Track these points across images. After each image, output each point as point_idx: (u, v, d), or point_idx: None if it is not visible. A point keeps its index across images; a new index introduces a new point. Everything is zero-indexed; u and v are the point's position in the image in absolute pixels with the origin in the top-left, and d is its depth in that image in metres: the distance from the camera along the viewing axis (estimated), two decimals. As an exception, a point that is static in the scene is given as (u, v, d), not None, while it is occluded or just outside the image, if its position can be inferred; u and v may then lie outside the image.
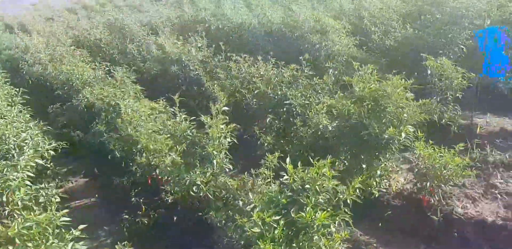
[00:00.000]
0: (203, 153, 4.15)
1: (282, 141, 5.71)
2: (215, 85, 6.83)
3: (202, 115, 4.52)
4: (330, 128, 5.00)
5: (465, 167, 4.41)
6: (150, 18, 12.91)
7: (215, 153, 4.13)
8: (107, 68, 8.11)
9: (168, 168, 4.35)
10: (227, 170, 4.47)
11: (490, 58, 6.02)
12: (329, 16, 9.38)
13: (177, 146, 4.61)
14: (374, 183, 4.53)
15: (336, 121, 4.75)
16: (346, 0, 10.18)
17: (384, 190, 4.79)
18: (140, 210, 5.22)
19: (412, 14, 9.17)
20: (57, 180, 6.15)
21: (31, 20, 18.98)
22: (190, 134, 4.41)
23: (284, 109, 6.00)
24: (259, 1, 11.65)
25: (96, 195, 6.21)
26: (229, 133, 4.49)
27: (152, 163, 4.67)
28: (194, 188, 4.11)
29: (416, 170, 4.59)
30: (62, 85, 8.35)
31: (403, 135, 4.21)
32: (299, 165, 3.29)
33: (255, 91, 6.32)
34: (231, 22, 10.04)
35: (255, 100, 6.43)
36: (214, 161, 4.10)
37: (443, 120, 6.34)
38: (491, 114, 7.11)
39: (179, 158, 4.46)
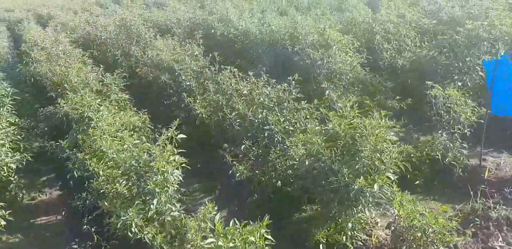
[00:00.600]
0: (145, 189, 3.69)
1: (258, 171, 5.18)
2: (198, 100, 6.37)
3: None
4: (307, 163, 4.42)
5: (453, 229, 3.73)
6: (165, 18, 12.65)
7: (157, 190, 3.66)
8: (105, 72, 7.87)
9: (112, 200, 3.94)
10: (178, 207, 3.98)
11: (497, 93, 5.21)
12: (338, 29, 8.71)
13: (127, 175, 4.18)
14: (344, 238, 3.92)
15: (312, 158, 4.15)
16: (361, 11, 9.44)
17: (361, 244, 4.16)
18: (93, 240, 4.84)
19: (433, 31, 8.35)
20: (20, 194, 5.89)
21: (58, 12, 19.23)
22: (135, 164, 3.95)
23: (266, 134, 5.46)
24: (267, 8, 11.17)
25: (63, 213, 5.90)
26: (182, 165, 4.00)
27: (102, 190, 4.26)
28: (132, 228, 3.66)
29: (393, 228, 3.92)
30: (56, 87, 8.15)
31: (376, 186, 3.58)
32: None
33: (234, 113, 5.81)
34: (237, 29, 9.58)
35: (237, 121, 5.92)
36: (155, 200, 3.63)
37: (447, 160, 5.60)
38: (508, 153, 6.29)
39: (126, 189, 4.03)
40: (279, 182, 4.79)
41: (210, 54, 7.86)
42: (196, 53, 8.02)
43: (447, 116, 5.68)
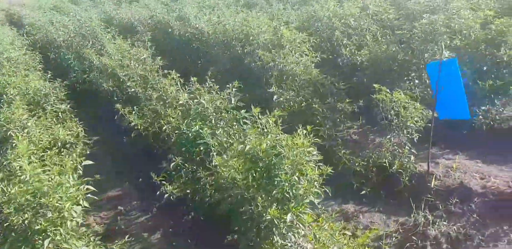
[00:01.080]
0: (36, 228, 3.32)
1: (189, 190, 4.81)
2: (135, 110, 5.97)
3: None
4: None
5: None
6: (130, 16, 12.06)
7: (49, 229, 3.29)
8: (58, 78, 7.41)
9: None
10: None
11: (442, 96, 4.82)
12: (295, 25, 8.25)
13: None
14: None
15: (228, 183, 3.78)
16: (325, 4, 8.93)
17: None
18: None
19: (393, 25, 7.89)
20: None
21: (28, 11, 18.50)
22: (31, 198, 3.56)
23: (201, 148, 5.07)
24: (232, 3, 10.65)
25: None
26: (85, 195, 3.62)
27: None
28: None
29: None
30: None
31: (289, 217, 3.22)
32: None
33: (170, 125, 5.41)
34: (196, 29, 9.08)
35: (175, 133, 5.52)
36: (46, 241, 3.27)
37: (394, 167, 5.26)
38: (464, 155, 5.95)
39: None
40: (208, 204, 4.42)
41: (159, 57, 7.43)
42: (144, 56, 7.56)
43: (396, 121, 5.31)
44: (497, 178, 5.27)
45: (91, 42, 9.84)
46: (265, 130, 3.78)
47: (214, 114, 5.21)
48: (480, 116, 6.04)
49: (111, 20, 11.62)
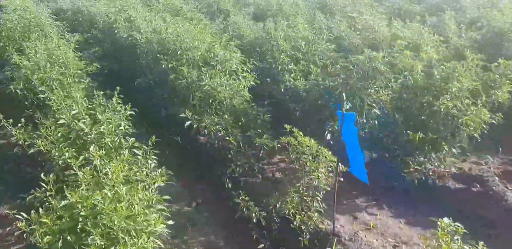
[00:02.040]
0: None
1: None
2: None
3: None
4: None
5: None
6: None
7: None
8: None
9: None
10: None
11: (348, 151, 4.19)
12: (245, 42, 7.58)
13: None
14: None
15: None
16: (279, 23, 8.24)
17: None
18: None
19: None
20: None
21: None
22: None
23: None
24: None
25: None
26: None
27: None
28: None
29: None
30: None
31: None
32: None
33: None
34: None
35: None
36: None
37: (296, 222, 4.60)
38: (393, 211, 5.33)
39: None
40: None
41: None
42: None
43: (307, 168, 4.67)
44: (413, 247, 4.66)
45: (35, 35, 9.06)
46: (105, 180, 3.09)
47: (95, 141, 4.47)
48: (412, 170, 5.44)
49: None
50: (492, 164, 6.22)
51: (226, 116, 5.73)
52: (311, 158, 4.55)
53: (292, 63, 7.16)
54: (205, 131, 5.48)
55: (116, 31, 8.76)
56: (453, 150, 5.22)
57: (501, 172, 5.78)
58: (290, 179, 5.64)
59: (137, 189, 3.21)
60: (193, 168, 6.15)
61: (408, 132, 5.19)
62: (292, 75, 6.93)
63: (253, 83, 6.41)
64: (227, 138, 5.33)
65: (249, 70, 6.61)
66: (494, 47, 7.33)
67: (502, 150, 6.47)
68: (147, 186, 3.56)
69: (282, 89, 6.83)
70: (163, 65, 6.22)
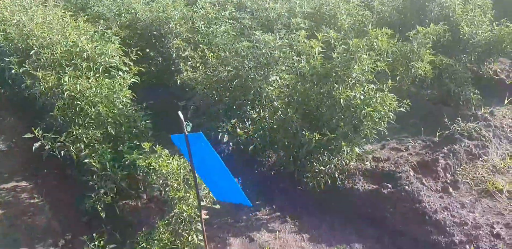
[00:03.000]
0: None
1: None
2: None
3: None
4: None
5: None
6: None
7: None
8: None
9: None
10: None
11: (207, 175, 3.30)
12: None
13: None
14: None
15: None
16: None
17: None
18: None
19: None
20: None
21: None
22: None
23: None
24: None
25: None
26: None
27: None
28: None
29: None
30: None
31: None
32: None
33: None
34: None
35: None
36: None
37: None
38: (296, 225, 4.57)
39: None
40: None
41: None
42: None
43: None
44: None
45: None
46: None
47: None
48: (316, 172, 4.63)
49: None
50: (413, 149, 5.50)
51: (93, 128, 4.69)
52: (175, 185, 3.65)
53: (189, 49, 6.06)
54: (62, 152, 4.45)
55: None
56: (357, 149, 4.37)
57: (418, 162, 5.03)
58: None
59: None
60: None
61: (303, 132, 4.29)
62: (189, 63, 5.88)
63: (135, 80, 5.33)
64: (86, 160, 4.32)
65: (132, 63, 5.51)
66: (418, 11, 6.33)
67: (424, 129, 5.79)
68: None
69: (178, 82, 5.80)
70: (13, 71, 5.04)
